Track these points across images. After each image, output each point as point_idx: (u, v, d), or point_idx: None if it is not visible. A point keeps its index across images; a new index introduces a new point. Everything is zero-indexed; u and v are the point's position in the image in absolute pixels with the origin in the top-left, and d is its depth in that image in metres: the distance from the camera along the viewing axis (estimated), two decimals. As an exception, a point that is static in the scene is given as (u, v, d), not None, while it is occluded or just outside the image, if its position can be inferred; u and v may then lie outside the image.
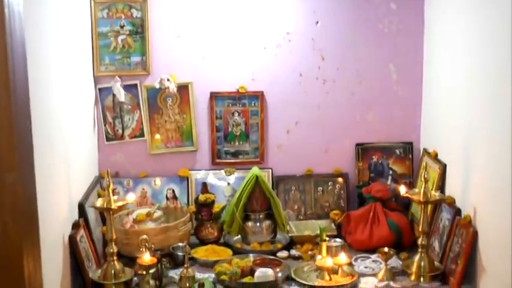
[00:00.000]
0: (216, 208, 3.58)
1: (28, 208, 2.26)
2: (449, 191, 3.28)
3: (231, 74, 3.75)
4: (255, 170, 3.57)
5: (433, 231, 3.28)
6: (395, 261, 3.26)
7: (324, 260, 3.12)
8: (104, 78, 3.67)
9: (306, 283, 3.06)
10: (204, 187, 3.64)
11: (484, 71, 2.85)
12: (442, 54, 3.45)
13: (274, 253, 3.41)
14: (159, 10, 3.66)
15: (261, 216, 3.54)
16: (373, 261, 3.32)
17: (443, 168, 3.34)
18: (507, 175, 2.60)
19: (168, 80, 3.66)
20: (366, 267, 3.25)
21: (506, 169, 2.60)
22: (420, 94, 3.78)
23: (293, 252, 3.43)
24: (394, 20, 3.74)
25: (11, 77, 2.11)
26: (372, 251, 3.35)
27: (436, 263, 3.12)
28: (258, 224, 3.54)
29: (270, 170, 3.81)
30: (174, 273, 3.18)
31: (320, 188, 3.83)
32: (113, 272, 3.02)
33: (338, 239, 3.39)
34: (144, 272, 3.00)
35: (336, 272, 3.10)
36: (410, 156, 3.82)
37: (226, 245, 3.52)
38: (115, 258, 3.05)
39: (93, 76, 3.65)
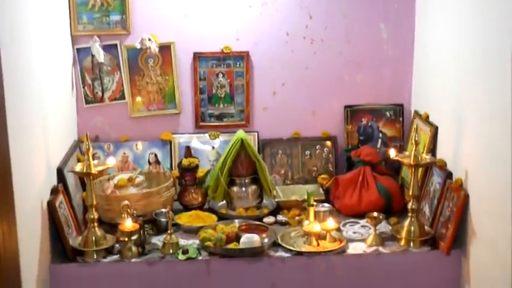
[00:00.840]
0: (200, 173, 3.58)
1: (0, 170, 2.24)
2: (440, 154, 3.30)
3: (215, 34, 3.71)
4: (240, 133, 3.56)
5: (423, 195, 3.30)
6: (384, 226, 3.28)
7: (312, 225, 3.13)
8: (82, 38, 3.62)
9: (293, 249, 3.07)
10: (188, 151, 3.64)
11: (477, 29, 2.84)
12: (434, 13, 3.43)
13: (260, 219, 3.42)
14: (139, -34, 3.61)
15: (246, 181, 3.54)
16: (362, 226, 3.34)
17: (435, 130, 3.35)
18: (500, 137, 2.60)
19: (149, 39, 3.62)
20: (354, 233, 3.27)
21: (500, 131, 2.61)
22: (411, 54, 3.77)
23: (280, 217, 3.44)
24: (385, -23, 3.72)
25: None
26: (361, 216, 3.37)
27: (426, 228, 3.15)
28: (243, 189, 3.54)
29: (256, 133, 3.81)
30: (157, 240, 3.19)
31: (307, 152, 3.83)
32: (93, 238, 3.03)
33: (326, 204, 3.40)
34: (126, 239, 3.02)
35: (323, 238, 3.13)
36: (400, 118, 3.82)
37: (211, 210, 3.52)
38: (96, 224, 3.05)
39: (71, 36, 3.60)
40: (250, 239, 3.06)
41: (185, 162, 3.56)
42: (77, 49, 3.64)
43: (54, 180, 3.11)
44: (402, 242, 3.12)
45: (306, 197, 3.31)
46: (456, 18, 3.09)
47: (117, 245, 3.09)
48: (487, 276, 2.79)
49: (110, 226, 3.22)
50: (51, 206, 2.94)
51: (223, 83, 3.78)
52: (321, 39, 3.76)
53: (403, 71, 3.80)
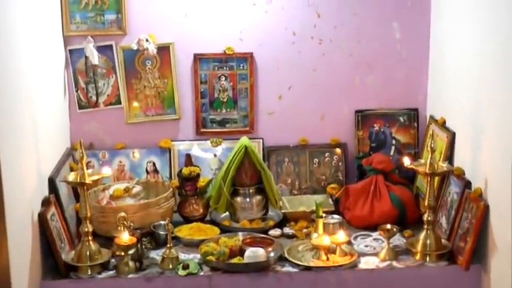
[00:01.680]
0: (202, 182, 3.57)
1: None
2: (458, 161, 3.29)
3: (217, 34, 3.71)
4: (244, 140, 3.56)
5: (440, 206, 3.29)
6: (398, 239, 3.27)
7: (321, 238, 3.13)
8: (75, 38, 3.63)
9: (301, 264, 3.07)
10: (188, 159, 3.64)
11: (498, 26, 2.83)
12: (451, 10, 3.43)
13: (265, 231, 3.41)
14: (136, -38, 3.62)
15: (251, 191, 3.54)
16: (374, 239, 3.33)
17: (452, 136, 3.34)
18: (522, 144, 2.60)
19: (146, 40, 3.62)
20: (366, 246, 3.26)
21: (521, 137, 2.60)
22: (427, 55, 3.76)
23: (286, 230, 3.43)
24: (398, -28, 3.72)
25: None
26: (373, 228, 3.36)
27: (443, 241, 3.14)
28: (247, 199, 3.54)
29: (261, 140, 3.81)
30: (156, 254, 3.19)
31: (316, 160, 3.83)
32: (87, 253, 3.02)
33: (336, 216, 3.40)
34: (123, 253, 3.01)
35: (333, 252, 3.12)
36: (415, 124, 3.82)
37: (213, 222, 3.52)
38: (90, 238, 3.05)
39: (63, 36, 3.60)
40: (255, 253, 3.05)
41: (185, 171, 3.55)
42: (70, 50, 3.64)
43: (45, 191, 3.11)
44: (417, 256, 3.11)
45: (314, 208, 3.31)
46: (475, 15, 3.09)
47: (113, 260, 3.08)
48: (509, 293, 2.78)
49: (105, 240, 3.21)
50: (42, 218, 2.93)
51: (226, 87, 3.78)
52: (330, 39, 3.75)
53: (417, 73, 3.80)
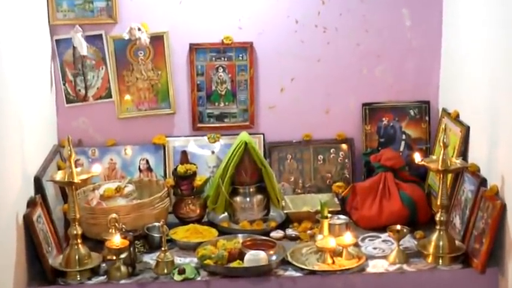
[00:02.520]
0: (198, 181, 3.57)
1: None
2: (472, 157, 3.28)
3: (214, 22, 3.71)
4: (243, 135, 3.56)
5: (453, 205, 3.29)
6: (409, 241, 3.27)
7: (326, 240, 3.12)
8: (62, 27, 3.62)
9: (305, 267, 3.06)
10: (184, 156, 3.64)
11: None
12: (464, -4, 3.43)
13: (267, 233, 3.41)
14: None
15: (251, 190, 3.54)
16: (383, 241, 3.34)
17: (466, 131, 3.34)
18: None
19: (139, 29, 3.62)
20: (374, 249, 3.26)
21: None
22: (439, 43, 3.76)
23: (289, 231, 3.43)
24: (408, -45, 3.72)
25: None
26: (382, 229, 3.35)
27: (457, 243, 3.13)
28: (247, 199, 3.54)
29: (262, 136, 3.81)
30: (150, 258, 3.19)
31: (320, 156, 3.83)
32: (76, 257, 3.02)
33: (342, 216, 3.40)
34: (114, 257, 3.01)
35: (339, 255, 3.12)
36: (426, 117, 3.82)
37: (211, 224, 3.52)
38: (79, 241, 3.04)
39: (49, 25, 3.60)
40: (256, 257, 3.05)
41: (181, 169, 3.55)
42: (56, 40, 3.64)
43: (31, 191, 3.10)
44: (429, 259, 3.11)
45: (319, 207, 3.31)
46: (492, 1, 3.08)
47: (104, 265, 3.08)
48: (528, 298, 2.78)
49: (96, 243, 3.21)
50: (27, 220, 2.93)
51: (224, 79, 3.78)
52: (335, 27, 3.75)
53: (429, 63, 3.80)
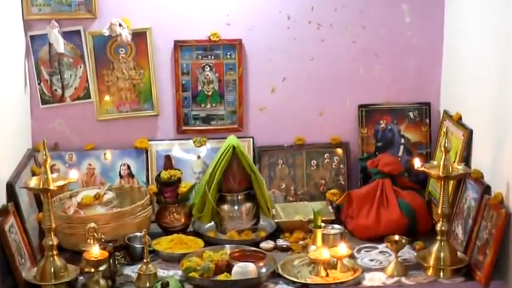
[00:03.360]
0: (183, 188, 3.57)
1: None
2: (476, 163, 3.30)
3: (201, 18, 3.71)
4: (231, 139, 3.56)
5: (455, 214, 3.30)
6: (408, 253, 3.28)
7: (319, 251, 3.12)
8: (37, 22, 3.62)
9: (297, 280, 3.07)
10: (168, 161, 3.64)
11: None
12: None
13: (256, 244, 3.41)
14: None
15: (239, 197, 3.54)
16: (381, 252, 3.34)
17: (469, 134, 3.35)
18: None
19: (120, 25, 3.62)
20: (371, 260, 3.27)
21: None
22: (440, 41, 3.78)
23: (280, 242, 3.44)
24: None
25: None
26: (379, 239, 3.36)
27: (459, 254, 3.14)
28: (235, 207, 3.54)
29: (251, 139, 3.81)
30: (131, 271, 3.18)
31: (314, 162, 3.83)
32: (52, 270, 3.01)
33: (336, 226, 3.40)
34: (93, 270, 3.00)
35: (334, 267, 3.12)
36: (427, 120, 3.83)
37: (196, 234, 3.52)
38: (55, 252, 3.03)
39: (23, 20, 3.59)
40: (245, 269, 3.05)
41: (165, 175, 3.55)
42: (31, 36, 3.63)
43: (3, 198, 3.09)
44: (430, 272, 3.12)
45: (312, 216, 3.31)
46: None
47: (82, 278, 3.07)
48: (534, 313, 2.79)
49: (73, 254, 3.21)
50: (-1, 230, 2.92)
51: (211, 78, 3.78)
52: (330, 23, 3.76)
53: (430, 63, 3.81)
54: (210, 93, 3.80)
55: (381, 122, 3.84)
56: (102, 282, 3.01)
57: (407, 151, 3.83)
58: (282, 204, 3.73)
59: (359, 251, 3.36)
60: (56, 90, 3.70)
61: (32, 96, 3.70)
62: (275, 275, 3.11)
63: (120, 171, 3.76)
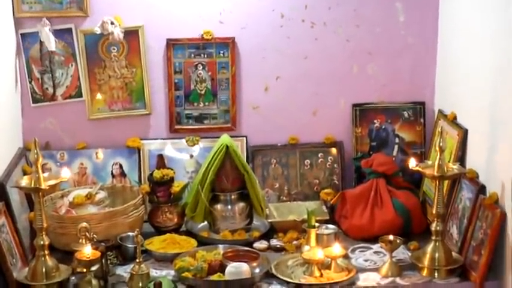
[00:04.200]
0: (176, 187, 3.57)
1: None
2: (470, 163, 3.30)
3: (194, 16, 3.72)
4: (224, 138, 3.56)
5: (450, 214, 3.30)
6: (402, 253, 3.29)
7: (313, 251, 3.13)
8: (28, 20, 3.62)
9: (291, 281, 3.07)
10: (160, 161, 3.64)
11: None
12: (462, -10, 3.45)
13: (249, 244, 3.41)
14: None
15: (232, 197, 3.55)
16: (375, 252, 3.35)
17: (464, 134, 3.35)
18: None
19: (111, 23, 3.62)
20: (365, 261, 3.27)
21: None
22: (435, 40, 3.79)
23: (274, 242, 3.44)
24: None
25: None
26: (374, 239, 3.37)
27: (454, 254, 3.15)
28: (229, 207, 3.54)
29: (244, 139, 3.82)
30: (123, 271, 3.18)
31: (307, 161, 3.84)
32: (43, 270, 3.00)
33: (330, 226, 3.40)
34: (85, 270, 3.00)
35: (328, 267, 3.12)
36: (421, 119, 3.84)
37: (189, 233, 3.52)
38: (46, 252, 3.03)
39: (14, 18, 3.59)
40: (238, 269, 3.05)
41: (157, 174, 3.55)
42: (22, 34, 3.63)
43: (-6, 198, 3.09)
44: (424, 272, 3.12)
45: (305, 216, 3.31)
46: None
47: (73, 278, 3.07)
48: (530, 314, 2.80)
49: (64, 254, 3.20)
50: (-10, 229, 2.93)
51: (204, 77, 3.78)
52: (324, 22, 3.77)
53: (424, 62, 3.82)
54: (202, 92, 3.80)
55: (375, 121, 3.84)
56: (94, 282, 3.01)
57: (402, 151, 3.83)
58: (276, 204, 3.74)
59: (353, 251, 3.36)
60: (47, 88, 3.70)
61: (23, 95, 3.69)
62: (269, 275, 3.11)
63: (112, 171, 3.75)
